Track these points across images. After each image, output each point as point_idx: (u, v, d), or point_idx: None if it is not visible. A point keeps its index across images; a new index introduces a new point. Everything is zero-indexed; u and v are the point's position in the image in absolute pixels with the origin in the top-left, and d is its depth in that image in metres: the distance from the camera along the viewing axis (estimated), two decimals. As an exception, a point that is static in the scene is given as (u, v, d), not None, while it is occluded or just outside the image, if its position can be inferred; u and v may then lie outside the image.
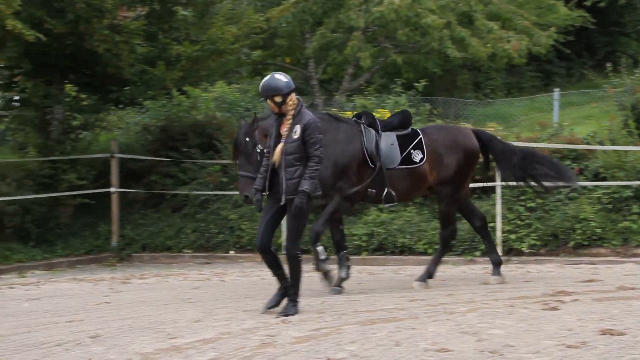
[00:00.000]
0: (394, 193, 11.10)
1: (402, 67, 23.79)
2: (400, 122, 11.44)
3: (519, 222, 15.27)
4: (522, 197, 15.51)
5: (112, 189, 17.13)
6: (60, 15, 15.02)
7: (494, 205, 15.31)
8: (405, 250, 16.17)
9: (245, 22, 17.67)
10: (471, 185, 14.76)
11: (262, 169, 8.69)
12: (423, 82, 21.29)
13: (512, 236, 15.16)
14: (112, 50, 15.46)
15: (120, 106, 19.08)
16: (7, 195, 16.34)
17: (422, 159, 10.95)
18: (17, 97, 18.18)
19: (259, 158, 9.60)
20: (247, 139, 9.82)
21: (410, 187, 11.30)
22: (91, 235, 17.61)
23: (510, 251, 15.04)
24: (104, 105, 18.22)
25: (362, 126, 11.00)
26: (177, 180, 17.97)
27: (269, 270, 8.88)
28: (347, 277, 10.91)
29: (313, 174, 8.45)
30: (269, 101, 8.39)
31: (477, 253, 15.14)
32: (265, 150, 8.75)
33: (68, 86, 17.55)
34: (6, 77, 17.74)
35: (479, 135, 12.21)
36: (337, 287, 10.66)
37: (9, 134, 19.68)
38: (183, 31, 17.27)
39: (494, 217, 15.10)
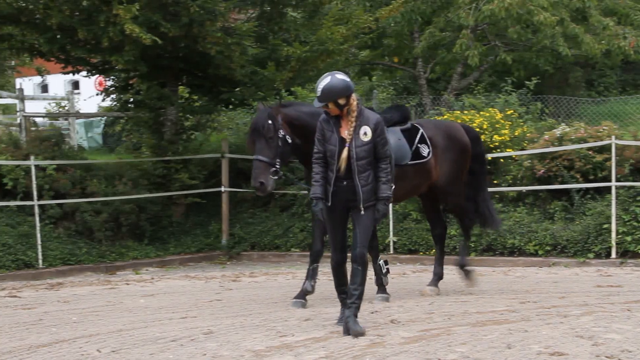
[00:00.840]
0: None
1: (512, 66, 23.11)
2: (402, 116, 11.08)
3: (635, 223, 14.82)
4: (639, 198, 15.15)
5: (223, 189, 17.48)
6: (174, 19, 15.23)
7: (608, 205, 14.98)
8: (514, 251, 15.91)
9: (354, 22, 17.44)
10: (585, 185, 15.86)
11: (317, 176, 7.92)
12: (534, 81, 21.34)
13: (628, 238, 14.78)
14: (224, 52, 15.59)
15: (231, 107, 19.41)
16: (124, 195, 16.64)
17: (429, 153, 10.76)
18: (132, 99, 18.52)
19: (280, 144, 9.53)
20: (270, 122, 9.42)
21: (419, 183, 11.03)
22: (202, 234, 18.00)
23: (625, 253, 14.75)
24: (215, 107, 18.57)
25: None
26: (286, 180, 16.90)
27: (337, 287, 8.25)
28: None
29: (389, 177, 8.13)
30: (329, 104, 7.76)
31: (590, 255, 14.97)
32: (316, 156, 7.97)
33: (181, 88, 18.06)
34: (122, 79, 18.18)
35: (467, 131, 12.30)
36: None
37: (125, 135, 20.14)
38: (293, 32, 17.32)
39: (608, 217, 14.89)
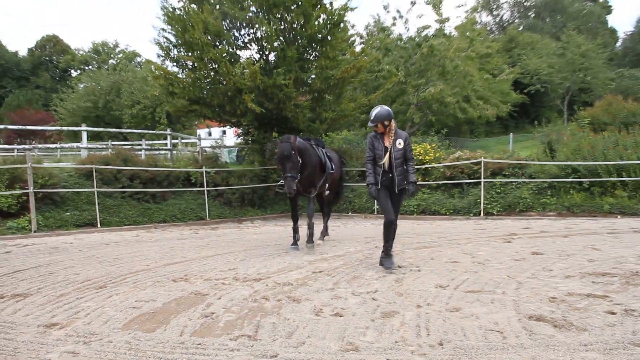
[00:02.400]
0: (327, 191, 11.34)
1: (434, 123, 23.92)
2: (322, 143, 10.99)
3: (492, 199, 15.55)
4: (494, 187, 15.91)
5: None
6: (271, 99, 16.04)
7: (479, 190, 15.72)
8: (435, 213, 16.34)
9: (358, 101, 18.59)
10: (469, 180, 16.44)
11: (371, 170, 7.57)
12: (445, 130, 22.51)
13: (489, 206, 15.48)
14: (295, 116, 16.53)
15: None
16: (245, 185, 17.62)
17: (332, 166, 10.62)
18: (250, 139, 18.99)
19: (297, 163, 9.14)
20: (293, 152, 9.01)
21: (330, 185, 11.16)
22: (283, 204, 18.25)
23: (487, 214, 15.35)
24: None
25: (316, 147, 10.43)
26: None
27: (385, 237, 7.56)
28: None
29: (414, 169, 8.12)
30: (379, 124, 7.57)
31: (471, 215, 15.69)
32: (368, 158, 7.62)
33: (274, 133, 18.45)
34: (245, 129, 18.98)
35: (340, 154, 12.53)
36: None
37: (247, 156, 20.34)
38: (327, 106, 17.65)
39: (479, 196, 15.70)
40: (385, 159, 7.55)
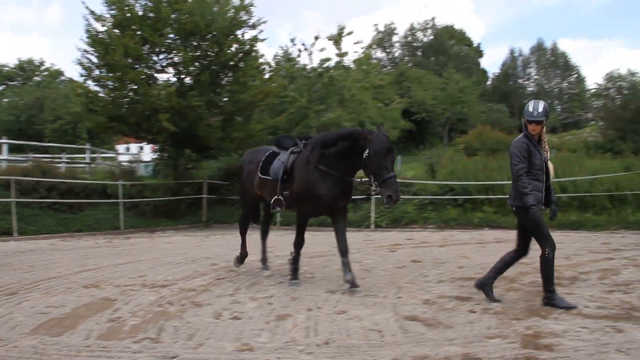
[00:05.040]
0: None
1: None
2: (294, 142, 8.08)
3: (382, 212, 15.54)
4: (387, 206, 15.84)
5: (204, 196, 17.58)
6: (184, 119, 15.80)
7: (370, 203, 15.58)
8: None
9: (266, 123, 18.69)
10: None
11: (530, 186, 5.44)
12: None
13: (378, 219, 15.46)
14: (207, 135, 16.36)
15: (209, 159, 19.21)
16: (160, 197, 17.00)
17: None
18: (165, 155, 18.47)
19: None
20: None
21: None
22: (193, 215, 17.61)
23: (377, 226, 15.34)
24: (202, 158, 18.77)
25: None
26: (234, 190, 17.60)
27: (550, 276, 5.59)
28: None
29: None
30: (534, 124, 5.55)
31: (369, 226, 15.58)
32: (524, 170, 5.46)
33: (187, 150, 18.11)
34: (161, 146, 18.26)
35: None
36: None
37: (160, 170, 20.09)
38: (238, 126, 17.42)
39: (369, 210, 15.69)
40: (552, 170, 5.91)
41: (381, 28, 58.17)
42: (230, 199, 18.22)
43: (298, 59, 24.30)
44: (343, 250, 6.82)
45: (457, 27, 61.01)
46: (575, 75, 59.86)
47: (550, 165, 5.82)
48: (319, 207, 6.89)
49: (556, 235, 11.68)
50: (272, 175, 7.15)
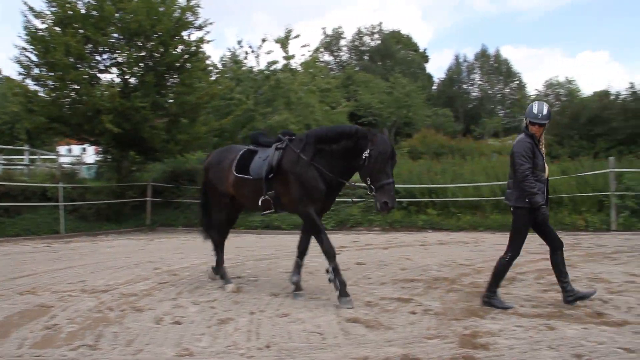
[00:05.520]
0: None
1: None
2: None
3: (327, 215, 13.96)
4: (333, 208, 15.62)
5: (148, 199, 17.47)
6: (128, 121, 15.43)
7: None
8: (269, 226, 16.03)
9: (211, 125, 18.39)
10: None
11: (536, 186, 5.47)
12: None
13: (324, 222, 14.72)
14: (151, 137, 16.00)
15: (154, 161, 18.61)
16: (103, 200, 16.64)
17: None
18: (109, 157, 18.12)
19: None
20: None
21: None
22: (137, 218, 17.42)
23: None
24: (146, 160, 18.42)
25: None
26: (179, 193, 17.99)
27: (564, 272, 5.78)
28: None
29: None
30: (537, 126, 5.60)
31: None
32: (530, 171, 5.47)
33: (131, 152, 17.79)
34: (104, 148, 17.83)
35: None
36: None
37: (103, 172, 19.64)
38: (183, 128, 16.90)
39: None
40: (547, 170, 5.89)
41: (329, 32, 58.77)
42: (175, 202, 18.00)
43: (245, 61, 24.12)
44: (302, 250, 6.79)
45: (404, 32, 62.28)
46: (517, 82, 61.88)
47: (546, 167, 5.84)
48: (321, 203, 6.38)
49: (497, 237, 12.43)
50: (254, 174, 6.54)
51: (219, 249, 7.43)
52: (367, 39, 59.36)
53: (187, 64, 17.05)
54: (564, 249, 5.84)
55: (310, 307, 5.89)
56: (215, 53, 70.30)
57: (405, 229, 15.05)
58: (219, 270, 7.36)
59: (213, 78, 20.61)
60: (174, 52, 16.49)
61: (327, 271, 6.18)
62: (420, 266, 8.64)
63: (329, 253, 6.18)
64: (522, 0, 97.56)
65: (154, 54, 16.51)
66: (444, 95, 57.06)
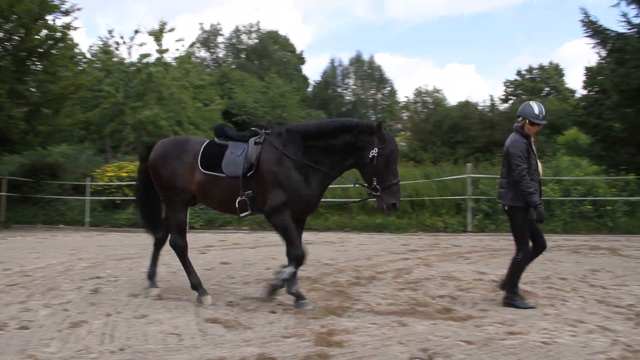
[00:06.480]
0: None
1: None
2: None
3: (195, 213, 15.38)
4: (201, 207, 15.40)
5: (2, 193, 16.55)
6: None
7: None
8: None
9: (75, 117, 17.62)
10: None
11: (533, 186, 5.50)
12: None
13: (192, 220, 14.99)
14: (8, 127, 15.18)
15: (11, 153, 17.51)
16: None
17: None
18: None
19: None
20: None
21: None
22: None
23: (191, 228, 14.52)
24: (2, 152, 17.19)
25: None
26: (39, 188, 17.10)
27: (518, 276, 5.84)
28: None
29: None
30: (536, 126, 5.65)
31: None
32: (526, 171, 5.50)
33: None
34: None
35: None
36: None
37: None
38: (44, 119, 16.27)
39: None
40: (541, 169, 5.86)
41: (207, 27, 57.71)
42: (34, 198, 17.08)
43: (116, 52, 23.33)
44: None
45: (282, 33, 62.62)
46: (389, 88, 64.51)
47: (540, 166, 5.82)
48: (302, 210, 5.84)
49: (362, 238, 12.86)
50: (228, 172, 5.77)
51: (186, 256, 6.39)
52: (244, 37, 59.06)
53: (52, 51, 16.26)
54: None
55: (170, 308, 5.76)
56: (86, 42, 66.47)
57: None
58: (195, 279, 6.27)
59: (80, 68, 19.88)
60: (36, 37, 15.64)
61: (277, 273, 5.81)
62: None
63: (296, 256, 5.70)
64: (400, 10, 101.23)
65: (13, 36, 15.48)
66: (319, 98, 58.03)
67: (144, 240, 12.09)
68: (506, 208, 5.81)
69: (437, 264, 9.02)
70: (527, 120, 5.66)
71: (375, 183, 5.40)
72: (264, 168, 5.69)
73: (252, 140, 5.87)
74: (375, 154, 5.35)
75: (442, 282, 7.29)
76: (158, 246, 6.78)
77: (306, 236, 13.09)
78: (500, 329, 4.97)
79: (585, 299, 6.12)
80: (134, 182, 16.10)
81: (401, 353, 4.30)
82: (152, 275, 6.66)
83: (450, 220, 14.78)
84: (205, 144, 6.11)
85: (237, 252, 10.39)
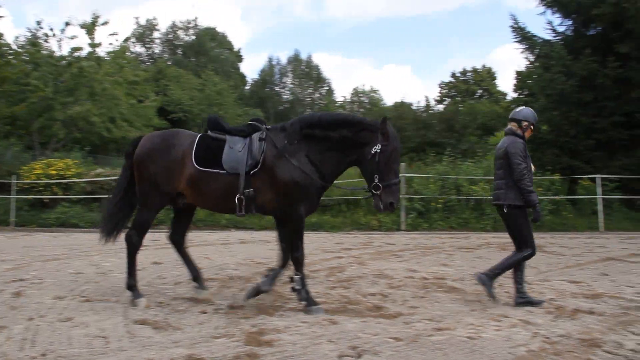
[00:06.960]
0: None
1: (80, 140, 22.35)
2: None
3: None
4: None
5: None
6: None
7: None
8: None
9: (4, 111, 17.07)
10: None
11: (532, 185, 5.66)
12: (88, 148, 20.62)
13: None
14: None
15: None
16: None
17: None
18: None
19: None
20: None
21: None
22: None
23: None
24: None
25: None
26: None
27: (510, 267, 5.94)
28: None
29: None
30: (531, 127, 5.88)
31: None
32: (526, 170, 5.60)
33: None
34: None
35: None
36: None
37: None
38: None
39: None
40: (533, 171, 5.96)
41: (143, 22, 56.34)
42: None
43: (46, 44, 22.44)
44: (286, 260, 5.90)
45: (220, 30, 61.87)
46: (327, 88, 64.96)
47: (532, 167, 5.90)
48: (312, 206, 5.66)
49: None
50: (229, 169, 5.48)
51: (135, 256, 6.09)
52: (181, 33, 58.03)
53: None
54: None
55: (97, 310, 5.56)
56: (13, 33, 63.48)
57: (208, 228, 15.00)
58: (133, 281, 5.97)
59: (5, 59, 19.17)
60: (-46, 26, 14.99)
61: (292, 279, 5.65)
62: (217, 265, 8.61)
63: (299, 261, 5.60)
64: (339, 10, 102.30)
65: None
66: (256, 96, 57.83)
67: (74, 240, 12.13)
68: (505, 209, 5.80)
69: (370, 262, 9.09)
70: (530, 123, 5.87)
71: (376, 180, 5.26)
72: (271, 166, 5.47)
73: (255, 135, 5.63)
74: (377, 151, 5.24)
75: (374, 280, 7.37)
76: (179, 247, 6.45)
77: (241, 235, 13.47)
78: (428, 325, 5.05)
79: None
80: (64, 180, 15.73)
81: (330, 351, 4.31)
82: (196, 277, 6.35)
83: (384, 219, 14.97)
84: (197, 137, 5.77)
85: (169, 252, 9.73)
